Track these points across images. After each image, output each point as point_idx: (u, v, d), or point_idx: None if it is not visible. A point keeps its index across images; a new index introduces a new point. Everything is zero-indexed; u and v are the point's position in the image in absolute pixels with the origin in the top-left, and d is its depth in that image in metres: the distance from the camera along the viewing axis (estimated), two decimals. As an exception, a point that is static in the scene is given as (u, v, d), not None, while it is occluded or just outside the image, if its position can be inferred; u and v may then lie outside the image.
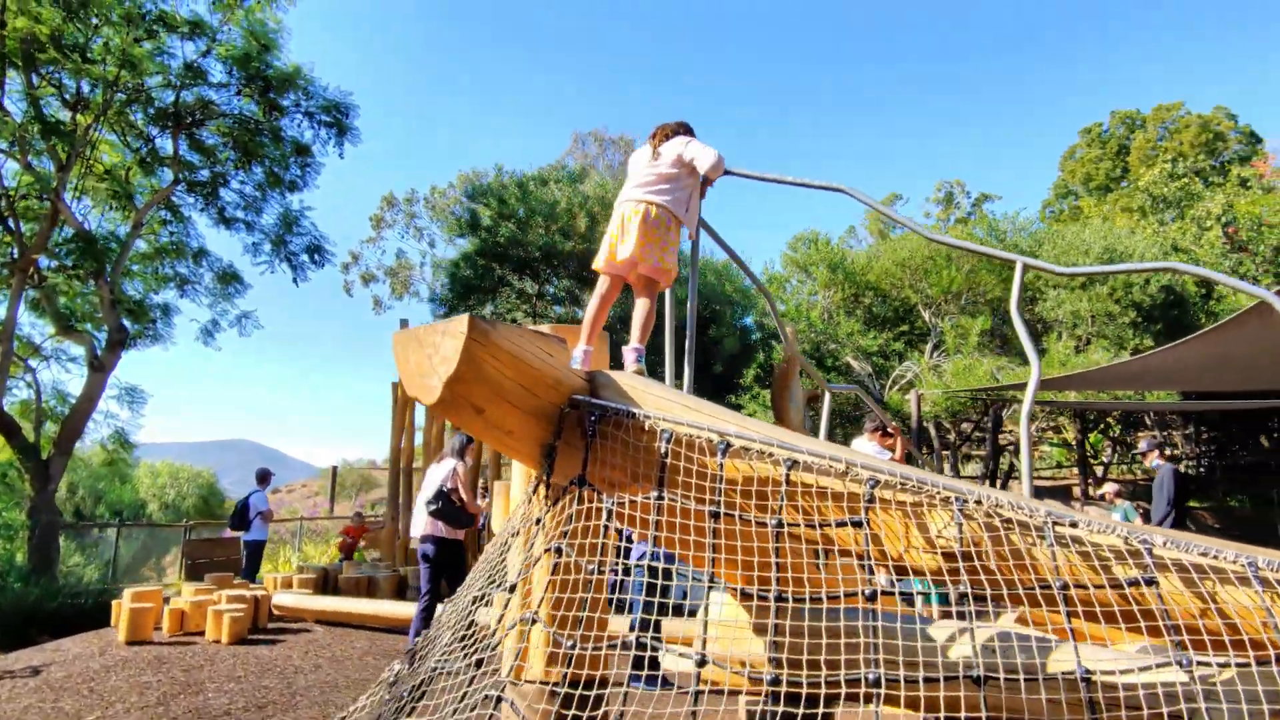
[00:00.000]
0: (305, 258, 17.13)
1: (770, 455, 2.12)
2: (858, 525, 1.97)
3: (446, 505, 6.46)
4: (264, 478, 11.31)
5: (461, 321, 2.15)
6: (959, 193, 48.30)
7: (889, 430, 7.54)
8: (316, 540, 18.35)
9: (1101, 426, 20.65)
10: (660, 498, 2.09)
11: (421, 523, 6.61)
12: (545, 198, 18.28)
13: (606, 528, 2.10)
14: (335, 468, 27.74)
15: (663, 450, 2.19)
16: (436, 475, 6.68)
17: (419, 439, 13.52)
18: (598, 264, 3.75)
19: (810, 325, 18.79)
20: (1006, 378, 14.90)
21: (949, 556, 1.95)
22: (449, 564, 6.61)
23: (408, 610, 7.99)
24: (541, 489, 2.42)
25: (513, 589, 2.23)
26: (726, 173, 3.62)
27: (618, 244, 3.64)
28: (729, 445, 2.16)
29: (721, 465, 2.14)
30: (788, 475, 2.07)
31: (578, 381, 2.44)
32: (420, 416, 13.03)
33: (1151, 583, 1.73)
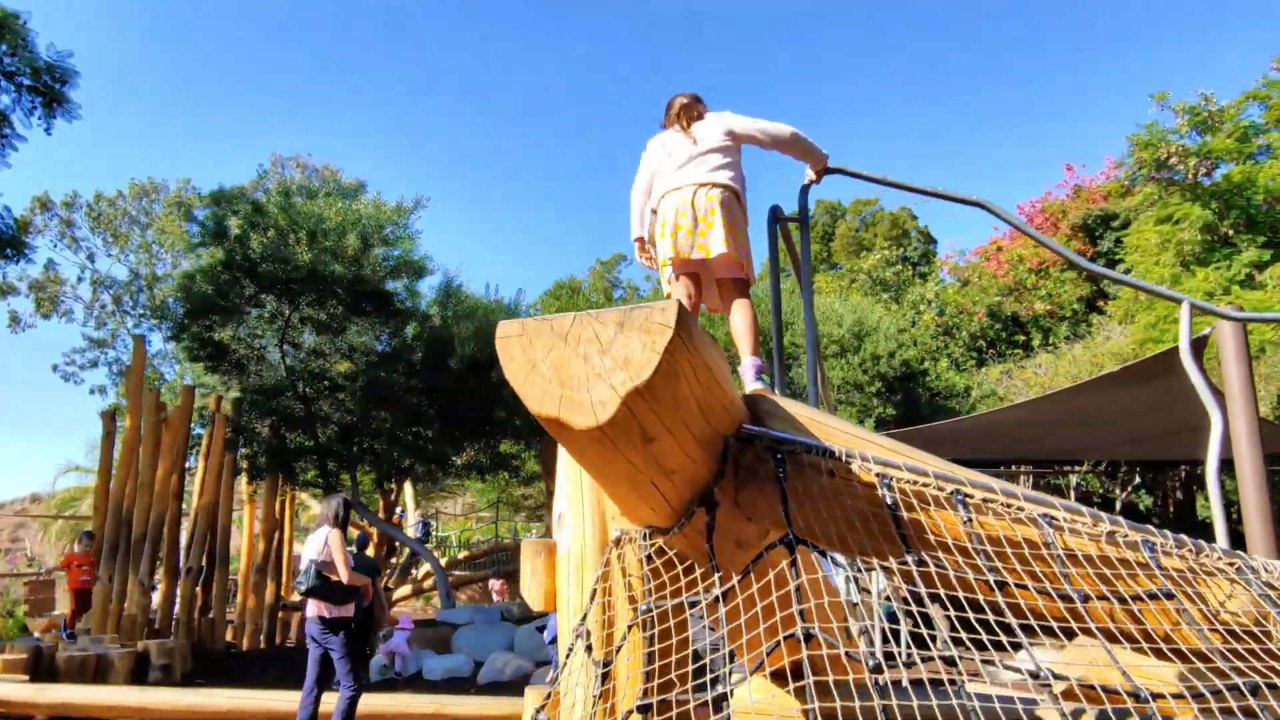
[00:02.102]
0: (-16, 249, 13.63)
1: (1021, 511, 1.69)
2: (1169, 597, 1.60)
3: (320, 582, 5.38)
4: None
5: (664, 310, 1.48)
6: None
7: None
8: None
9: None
10: (921, 562, 1.55)
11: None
12: (311, 211, 16.46)
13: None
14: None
15: (889, 501, 1.66)
16: (311, 546, 5.54)
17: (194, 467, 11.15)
18: (666, 254, 3.14)
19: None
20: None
21: (1232, 635, 1.65)
22: (338, 646, 5.56)
23: (237, 702, 6.22)
24: (670, 553, 1.76)
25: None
26: (829, 171, 3.15)
27: (692, 237, 3.02)
28: (966, 498, 1.69)
29: (969, 521, 1.66)
30: (1050, 536, 1.66)
31: (744, 407, 1.84)
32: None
33: None
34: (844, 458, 1.71)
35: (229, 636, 12.98)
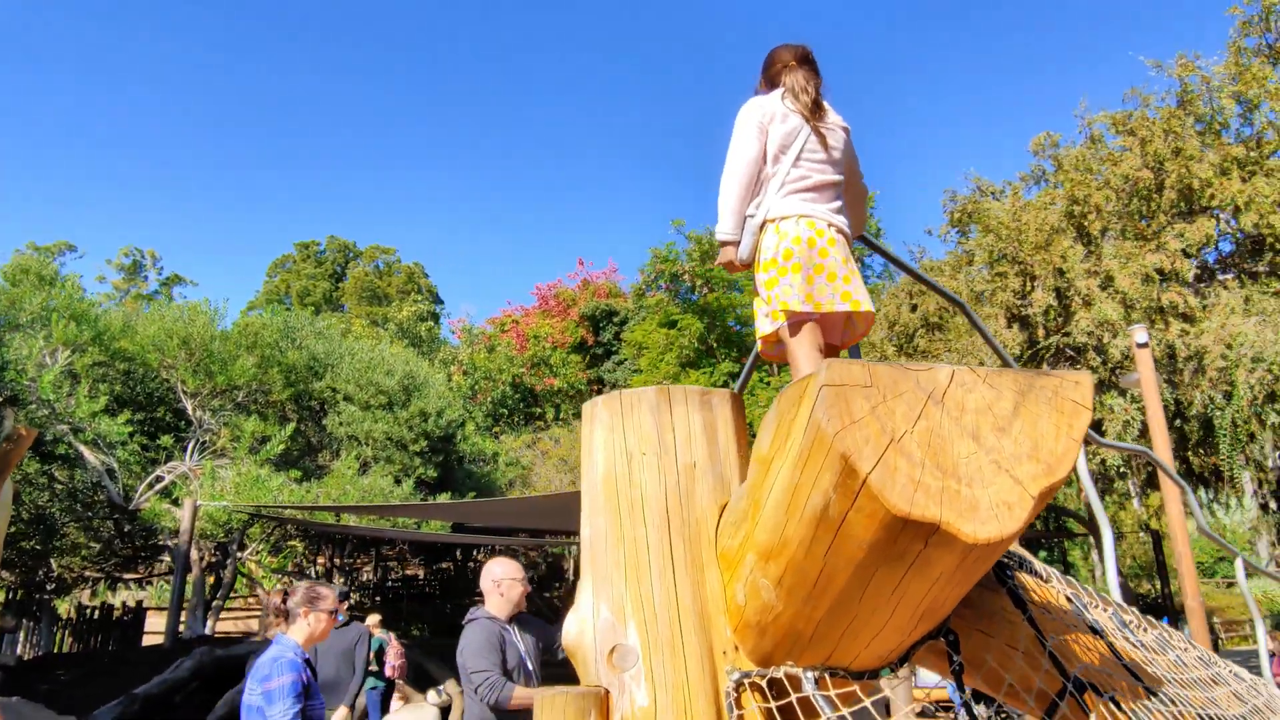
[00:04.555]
0: None
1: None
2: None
3: None
4: None
5: (1079, 384, 1.14)
6: (149, 264, 45.11)
7: None
8: None
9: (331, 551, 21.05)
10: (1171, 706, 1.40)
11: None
12: None
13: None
14: None
15: (1097, 626, 1.49)
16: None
17: None
18: (798, 306, 2.26)
19: (38, 394, 14.31)
20: (289, 496, 14.02)
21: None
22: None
23: None
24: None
25: None
26: (860, 239, 2.67)
27: (835, 283, 2.30)
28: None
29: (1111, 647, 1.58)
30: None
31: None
32: None
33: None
34: (1046, 576, 1.50)
35: None
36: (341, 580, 18.08)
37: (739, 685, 1.46)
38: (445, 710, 6.80)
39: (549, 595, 22.14)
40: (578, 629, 1.59)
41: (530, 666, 3.44)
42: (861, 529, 1.11)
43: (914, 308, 11.89)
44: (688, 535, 1.55)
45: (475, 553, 20.41)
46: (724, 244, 2.38)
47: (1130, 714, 1.28)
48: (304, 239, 50.48)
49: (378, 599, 21.56)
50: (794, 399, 1.20)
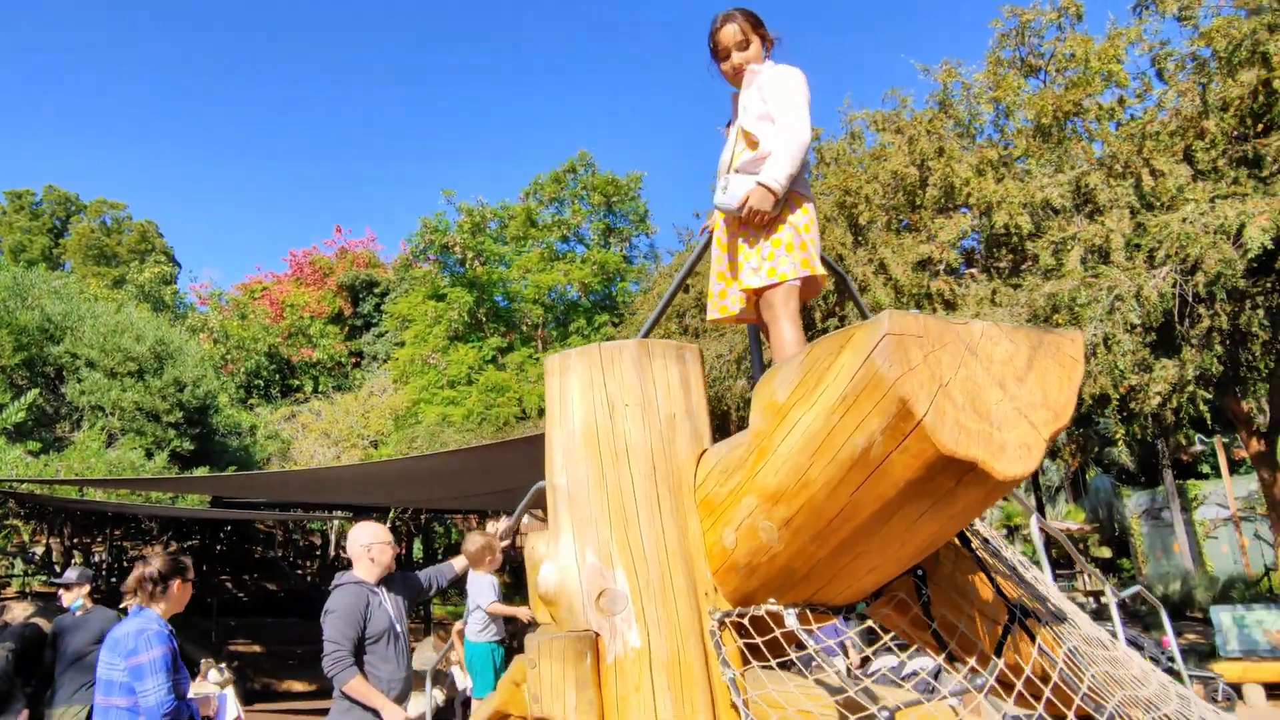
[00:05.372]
0: None
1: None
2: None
3: None
4: None
5: (1074, 341, 1.31)
6: None
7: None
8: None
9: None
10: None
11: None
12: None
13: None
14: None
15: (1011, 564, 1.71)
16: None
17: None
18: (817, 269, 2.27)
19: None
20: (27, 470, 11.92)
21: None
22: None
23: None
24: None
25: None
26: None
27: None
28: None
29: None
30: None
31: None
32: None
33: None
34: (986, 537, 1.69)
35: None
36: (81, 560, 15.78)
37: (721, 624, 1.51)
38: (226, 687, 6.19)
39: (302, 571, 20.84)
40: (558, 577, 1.55)
41: (399, 629, 3.31)
42: (902, 468, 1.20)
43: (686, 289, 12.48)
44: (672, 483, 1.58)
45: (228, 528, 18.64)
46: (774, 194, 2.16)
47: (1057, 636, 1.51)
48: (15, 187, 43.42)
49: (113, 580, 19.05)
50: (832, 349, 1.26)
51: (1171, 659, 5.14)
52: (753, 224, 2.19)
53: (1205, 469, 21.01)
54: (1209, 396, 7.06)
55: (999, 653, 1.53)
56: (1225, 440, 17.41)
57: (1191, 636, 11.60)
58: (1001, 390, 1.21)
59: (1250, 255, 5.96)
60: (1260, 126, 6.80)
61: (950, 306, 7.71)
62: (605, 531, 1.54)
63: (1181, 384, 6.68)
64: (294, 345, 27.03)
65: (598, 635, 1.47)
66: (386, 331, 27.23)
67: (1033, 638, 1.46)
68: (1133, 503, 19.15)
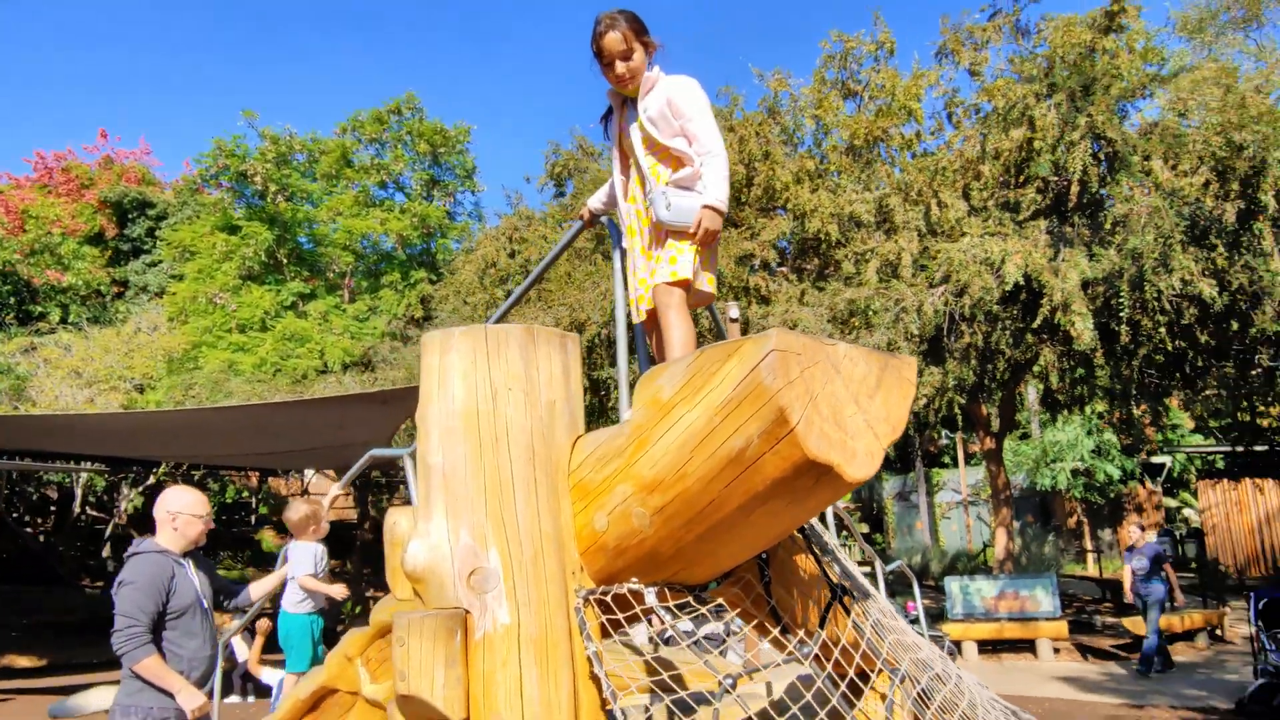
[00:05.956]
0: None
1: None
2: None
3: None
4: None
5: (909, 365, 1.55)
6: None
7: None
8: None
9: None
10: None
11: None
12: None
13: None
14: None
15: (826, 546, 1.96)
16: None
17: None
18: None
19: None
20: None
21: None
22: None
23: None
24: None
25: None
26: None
27: None
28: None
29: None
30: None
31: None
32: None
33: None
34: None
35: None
36: None
37: (585, 601, 1.63)
38: None
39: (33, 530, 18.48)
40: (429, 555, 1.59)
41: (205, 604, 3.06)
42: (772, 468, 1.37)
43: (513, 254, 12.35)
44: (549, 468, 1.66)
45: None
46: (721, 215, 2.26)
47: (864, 611, 1.78)
48: None
49: None
50: (719, 357, 1.40)
51: (916, 621, 5.96)
52: (708, 244, 2.27)
53: (946, 459, 24.10)
54: (963, 401, 8.17)
55: (822, 625, 1.78)
56: (964, 437, 20.09)
57: (926, 602, 13.41)
58: (856, 405, 1.41)
59: (1006, 286, 6.97)
60: (1021, 178, 7.92)
61: (765, 301, 8.35)
62: (480, 513, 1.59)
63: (944, 389, 7.68)
64: (37, 265, 23.43)
65: (468, 613, 1.53)
66: (161, 261, 24.33)
67: (848, 612, 1.72)
68: (889, 486, 21.61)
